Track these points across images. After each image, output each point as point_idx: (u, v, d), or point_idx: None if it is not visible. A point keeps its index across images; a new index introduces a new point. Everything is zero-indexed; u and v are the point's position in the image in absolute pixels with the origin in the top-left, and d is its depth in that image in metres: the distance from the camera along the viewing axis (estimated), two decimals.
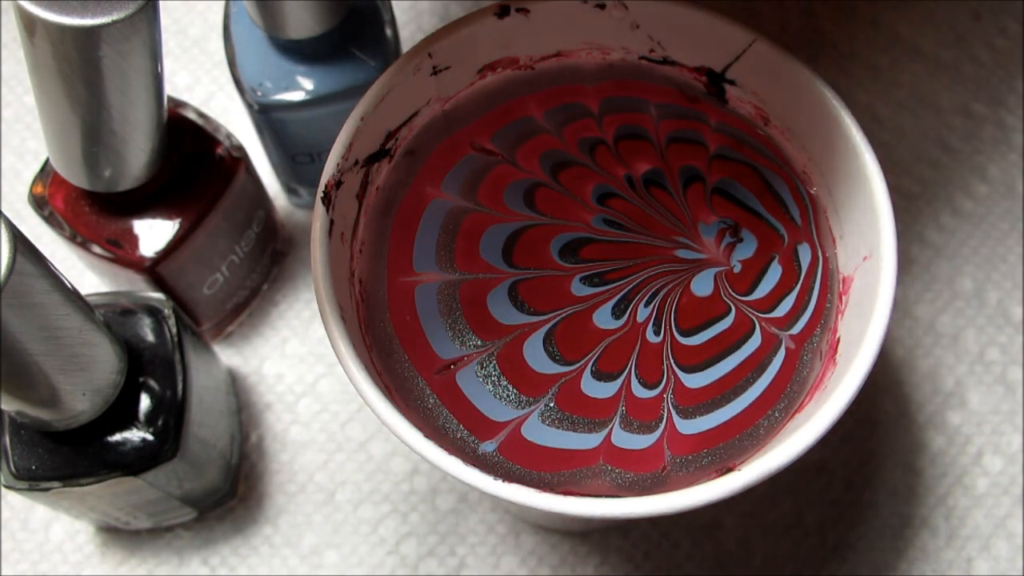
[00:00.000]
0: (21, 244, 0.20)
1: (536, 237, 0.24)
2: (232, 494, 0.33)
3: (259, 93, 0.29)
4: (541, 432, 0.22)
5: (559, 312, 0.23)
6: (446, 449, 0.20)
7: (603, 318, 0.23)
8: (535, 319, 0.23)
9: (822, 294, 0.24)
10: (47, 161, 0.29)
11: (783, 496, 0.33)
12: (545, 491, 0.19)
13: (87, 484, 0.27)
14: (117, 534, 0.33)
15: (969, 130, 0.39)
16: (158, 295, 0.29)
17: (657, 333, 0.23)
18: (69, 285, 0.23)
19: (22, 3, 0.20)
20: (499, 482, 0.20)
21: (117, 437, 0.27)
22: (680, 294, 0.24)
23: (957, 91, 0.39)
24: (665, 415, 0.22)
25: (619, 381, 0.23)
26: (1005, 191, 0.38)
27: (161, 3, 0.23)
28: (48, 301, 0.22)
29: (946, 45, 0.40)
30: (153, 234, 0.29)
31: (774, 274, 0.24)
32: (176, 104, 0.30)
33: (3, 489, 0.27)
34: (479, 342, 0.23)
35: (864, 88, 0.39)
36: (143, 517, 0.31)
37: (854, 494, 0.33)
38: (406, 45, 0.28)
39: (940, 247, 0.37)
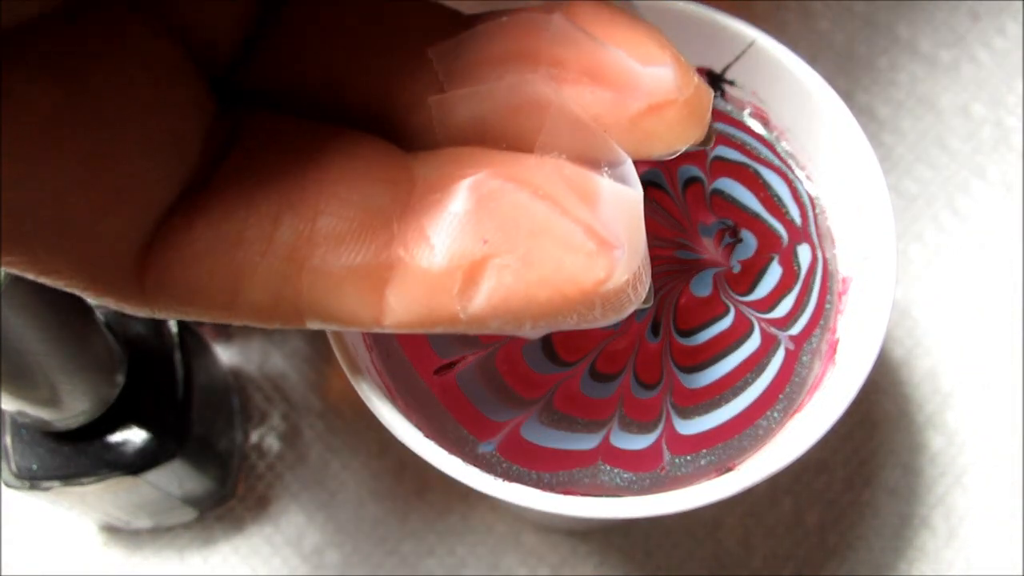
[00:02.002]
0: None
1: None
2: (232, 494, 0.33)
3: None
4: (540, 432, 0.22)
5: None
6: (446, 449, 0.20)
7: None
8: None
9: (822, 295, 0.24)
10: None
11: (783, 496, 0.33)
12: (545, 491, 0.19)
13: (87, 484, 0.27)
14: (118, 534, 0.33)
15: (969, 130, 0.39)
16: None
17: (656, 334, 0.23)
18: None
19: None
20: (499, 482, 0.20)
21: (117, 437, 0.27)
22: (679, 295, 0.24)
23: (957, 91, 0.39)
24: (664, 415, 0.22)
25: (617, 382, 0.23)
26: (1005, 191, 0.38)
27: None
28: (48, 301, 0.22)
29: (946, 45, 0.40)
30: None
31: (773, 275, 0.24)
32: None
33: (4, 488, 0.27)
34: (478, 342, 0.23)
35: (864, 88, 0.39)
36: (144, 517, 0.31)
37: (854, 494, 0.33)
38: None
39: (940, 247, 0.37)
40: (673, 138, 0.15)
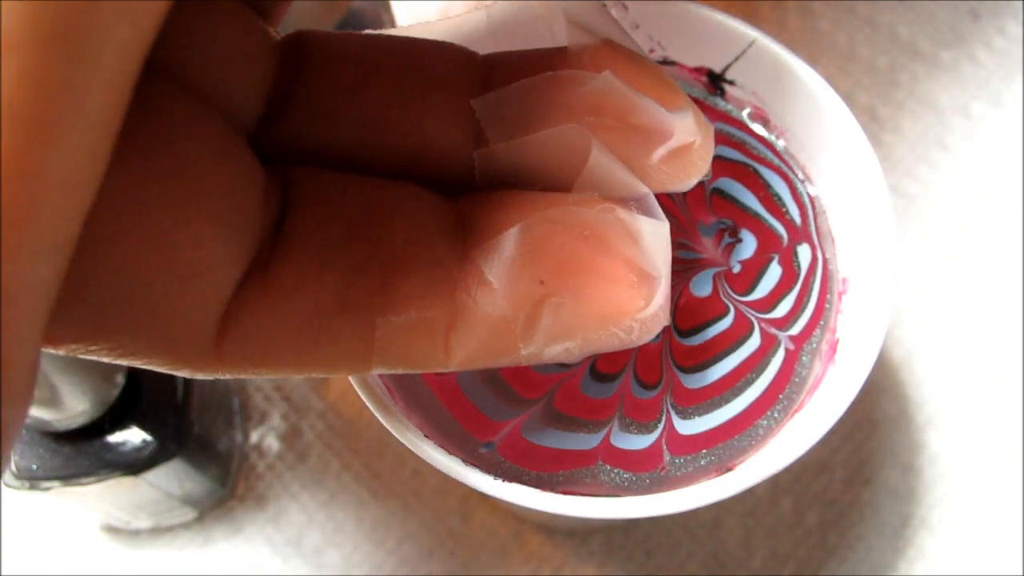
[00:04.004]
0: None
1: None
2: (232, 494, 0.33)
3: None
4: (540, 432, 0.22)
5: None
6: (446, 449, 0.20)
7: None
8: None
9: (822, 295, 0.24)
10: None
11: (783, 496, 0.33)
12: (545, 491, 0.19)
13: (87, 484, 0.27)
14: (118, 534, 0.33)
15: (969, 130, 0.39)
16: None
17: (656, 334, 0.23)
18: None
19: None
20: (499, 482, 0.20)
21: (117, 437, 0.27)
22: (679, 295, 0.24)
23: (957, 91, 0.39)
24: (664, 415, 0.22)
25: (617, 382, 0.23)
26: (1005, 191, 0.38)
27: None
28: None
29: (946, 45, 0.40)
30: None
31: (773, 274, 0.24)
32: None
33: (4, 488, 0.27)
34: None
35: (864, 88, 0.39)
36: (144, 517, 0.31)
37: (854, 494, 0.33)
38: None
39: (940, 247, 0.37)
40: (687, 175, 0.17)
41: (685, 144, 0.16)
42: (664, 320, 0.16)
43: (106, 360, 0.14)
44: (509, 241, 0.16)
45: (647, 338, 0.16)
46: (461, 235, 0.16)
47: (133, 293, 0.14)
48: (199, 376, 0.15)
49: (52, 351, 0.14)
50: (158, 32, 0.10)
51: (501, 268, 0.15)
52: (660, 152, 0.16)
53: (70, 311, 0.13)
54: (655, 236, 0.16)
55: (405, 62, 0.17)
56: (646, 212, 0.16)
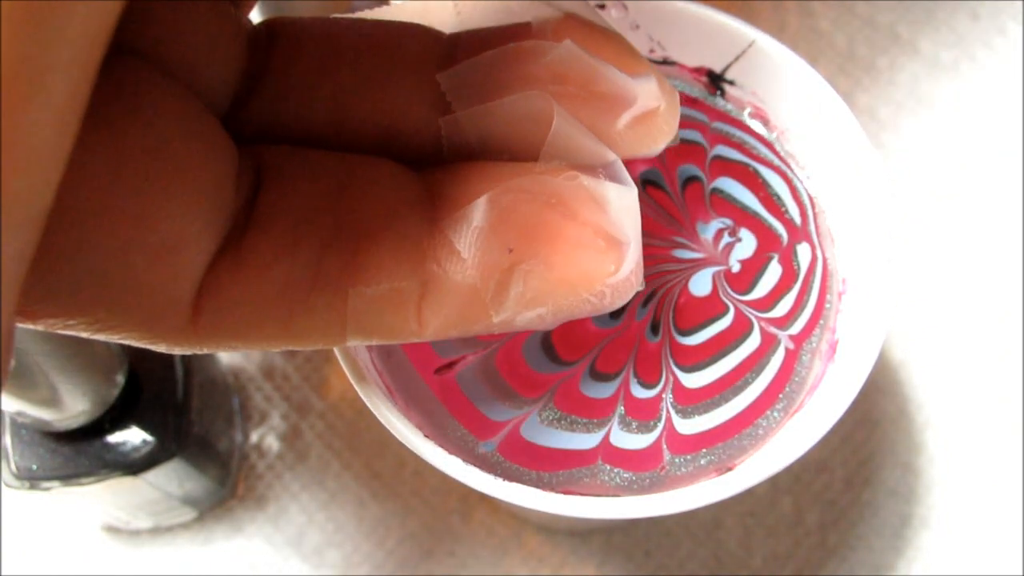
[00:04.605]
0: None
1: None
2: (232, 494, 0.33)
3: None
4: (540, 432, 0.22)
5: None
6: (446, 449, 0.20)
7: (601, 318, 0.23)
8: None
9: (821, 294, 0.24)
10: None
11: (783, 496, 0.33)
12: (545, 491, 0.19)
13: (87, 484, 0.27)
14: (118, 534, 0.33)
15: (969, 130, 0.39)
16: None
17: (655, 333, 0.23)
18: None
19: None
20: (499, 482, 0.20)
21: (117, 437, 0.27)
22: (678, 294, 0.24)
23: (957, 91, 0.39)
24: (664, 415, 0.22)
25: (617, 381, 0.23)
26: (1004, 192, 0.38)
27: None
28: None
29: (946, 45, 0.40)
30: None
31: (773, 274, 0.24)
32: None
33: (4, 488, 0.27)
34: (478, 342, 0.23)
35: (864, 88, 0.39)
36: (143, 517, 0.31)
37: (854, 494, 0.33)
38: None
39: (940, 248, 0.37)
40: (654, 140, 0.17)
41: (650, 109, 0.17)
42: (637, 284, 0.16)
43: (84, 335, 0.15)
44: (477, 211, 0.16)
45: (620, 303, 0.16)
46: (430, 207, 0.16)
47: (109, 268, 0.14)
48: (176, 351, 0.16)
49: (31, 327, 0.14)
50: (123, 9, 0.10)
51: (470, 238, 0.16)
52: (625, 118, 0.17)
53: (48, 286, 0.14)
54: (622, 201, 0.16)
55: (371, 42, 0.17)
56: (614, 179, 0.17)
